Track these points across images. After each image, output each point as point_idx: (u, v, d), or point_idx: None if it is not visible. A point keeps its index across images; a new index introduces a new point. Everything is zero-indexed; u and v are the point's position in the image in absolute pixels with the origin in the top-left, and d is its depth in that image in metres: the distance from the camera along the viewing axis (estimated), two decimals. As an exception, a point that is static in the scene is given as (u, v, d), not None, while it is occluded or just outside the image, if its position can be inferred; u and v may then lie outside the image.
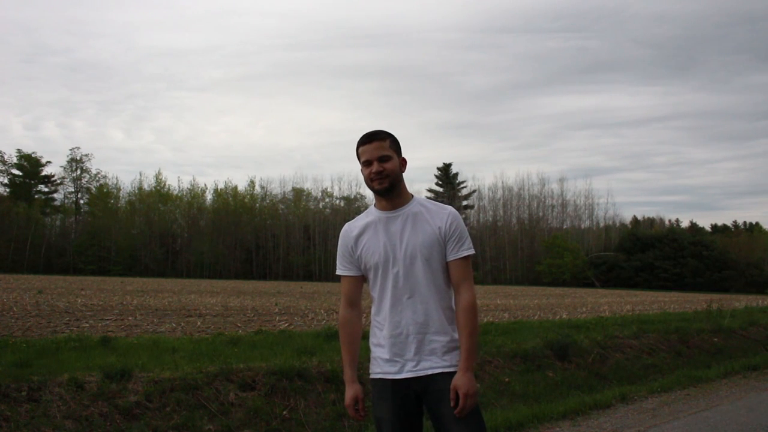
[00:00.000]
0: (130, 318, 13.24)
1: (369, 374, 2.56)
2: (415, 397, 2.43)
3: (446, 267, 2.47)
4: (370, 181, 2.45)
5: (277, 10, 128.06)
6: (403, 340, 2.43)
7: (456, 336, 2.43)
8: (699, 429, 5.63)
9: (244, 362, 5.97)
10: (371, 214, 2.55)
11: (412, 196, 2.53)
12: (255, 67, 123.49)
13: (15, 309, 14.17)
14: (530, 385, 7.04)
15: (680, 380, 7.96)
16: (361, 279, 2.58)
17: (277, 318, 14.47)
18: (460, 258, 2.44)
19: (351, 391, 2.48)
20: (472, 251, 2.46)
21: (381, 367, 2.48)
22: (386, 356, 2.46)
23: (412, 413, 2.43)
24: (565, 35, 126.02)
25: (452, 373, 2.37)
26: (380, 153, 2.42)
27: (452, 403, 2.32)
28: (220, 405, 5.14)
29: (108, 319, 12.72)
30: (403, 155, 2.52)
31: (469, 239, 2.48)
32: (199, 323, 12.50)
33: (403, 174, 2.51)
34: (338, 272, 2.60)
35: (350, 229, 2.57)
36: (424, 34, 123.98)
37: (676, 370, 8.86)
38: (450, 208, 2.50)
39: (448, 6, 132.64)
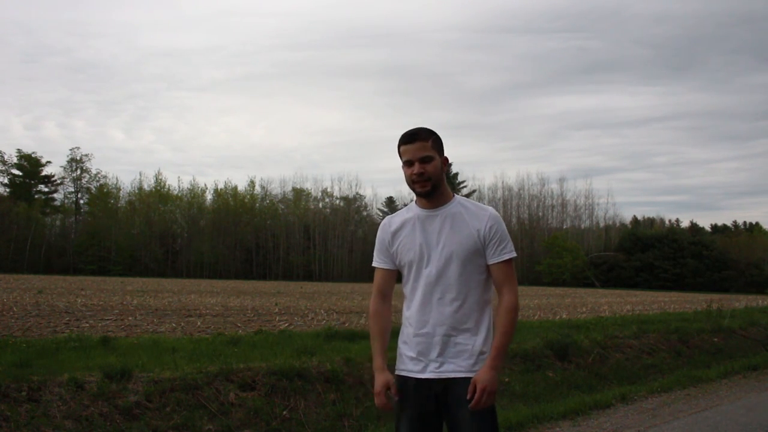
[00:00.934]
0: (130, 318, 13.24)
1: (395, 370, 2.53)
2: (436, 397, 2.41)
3: (483, 270, 2.44)
4: (411, 183, 2.41)
5: (277, 11, 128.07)
6: (429, 340, 2.41)
7: (485, 340, 2.41)
8: (699, 429, 5.63)
9: (244, 362, 5.97)
10: (411, 210, 2.52)
11: (454, 195, 2.49)
12: (255, 67, 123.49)
13: (15, 309, 14.17)
14: (530, 385, 7.04)
15: (680, 380, 7.96)
16: (395, 273, 2.56)
17: (277, 318, 14.47)
18: (501, 262, 2.41)
19: (382, 378, 2.41)
20: (513, 254, 2.42)
21: (405, 365, 2.47)
22: (411, 354, 2.45)
23: (431, 413, 2.42)
24: (565, 35, 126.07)
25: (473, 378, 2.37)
26: (422, 154, 2.37)
27: (468, 396, 2.29)
28: (220, 405, 5.14)
29: (108, 319, 12.72)
30: (444, 154, 2.47)
31: (509, 242, 2.43)
32: (199, 323, 12.50)
33: (444, 172, 2.46)
34: (374, 264, 2.59)
35: (389, 223, 2.56)
36: (425, 34, 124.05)
37: (676, 370, 8.86)
38: (490, 209, 2.46)
39: (449, 6, 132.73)
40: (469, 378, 2.34)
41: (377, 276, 2.59)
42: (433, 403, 2.41)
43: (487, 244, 2.41)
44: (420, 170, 2.37)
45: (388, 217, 2.60)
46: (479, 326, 2.42)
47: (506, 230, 2.45)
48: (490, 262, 2.42)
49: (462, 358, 2.38)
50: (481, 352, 2.39)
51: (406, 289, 2.53)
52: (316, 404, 5.55)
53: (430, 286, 2.42)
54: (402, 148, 2.42)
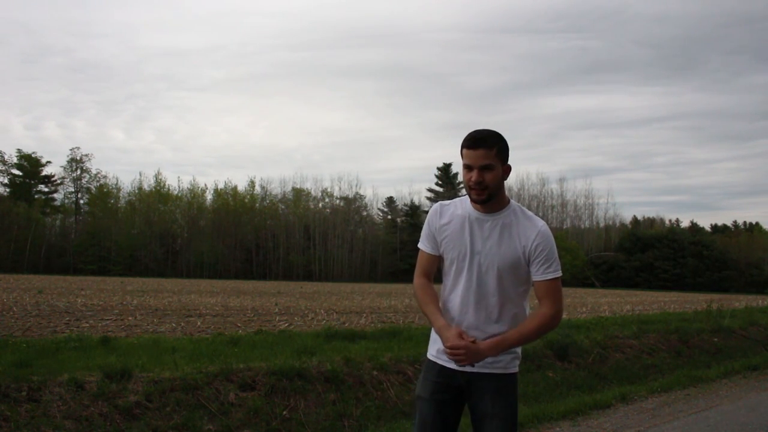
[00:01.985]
0: (130, 318, 13.25)
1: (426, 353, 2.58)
2: (458, 388, 2.45)
3: (524, 282, 2.43)
4: (468, 189, 2.37)
5: (277, 11, 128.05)
6: None
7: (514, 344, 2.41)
8: (699, 429, 5.63)
9: (244, 362, 5.97)
10: (465, 206, 2.47)
11: (509, 201, 2.45)
12: (256, 68, 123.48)
13: (15, 309, 14.17)
14: (530, 385, 7.04)
15: (680, 380, 7.96)
16: (438, 258, 2.53)
17: (277, 318, 14.47)
18: (545, 280, 2.37)
19: (452, 330, 2.34)
20: (558, 274, 2.36)
21: (435, 351, 2.50)
22: (442, 345, 2.42)
23: (449, 402, 2.45)
24: (565, 35, 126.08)
25: (499, 375, 2.41)
26: (484, 162, 2.30)
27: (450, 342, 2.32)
28: (220, 405, 5.14)
29: (108, 319, 12.72)
30: (508, 161, 2.38)
31: (556, 261, 2.37)
32: (199, 323, 12.50)
33: (505, 180, 2.40)
34: (419, 246, 2.56)
35: (440, 212, 2.51)
36: (425, 34, 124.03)
37: (676, 370, 8.86)
38: (540, 224, 2.40)
39: (449, 6, 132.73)
40: (493, 374, 2.40)
41: (422, 257, 2.56)
42: (453, 394, 2.45)
43: (532, 261, 2.38)
44: (479, 179, 2.31)
45: (439, 204, 2.54)
46: (510, 329, 2.42)
47: (554, 248, 2.39)
48: (535, 279, 2.40)
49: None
50: (510, 352, 2.42)
51: (447, 280, 2.51)
52: (316, 404, 5.55)
53: (468, 290, 2.41)
54: (464, 151, 2.34)
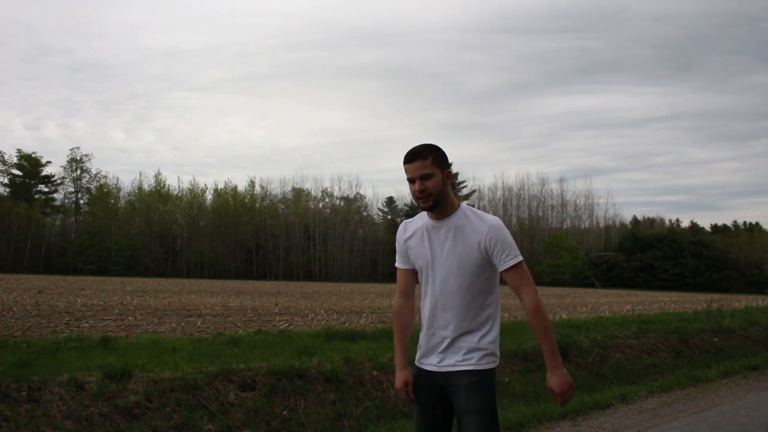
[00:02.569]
0: (130, 318, 13.24)
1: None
2: (440, 388, 2.59)
3: (487, 278, 2.57)
4: (416, 200, 2.56)
5: (277, 11, 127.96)
6: (435, 341, 2.61)
7: (482, 337, 2.56)
8: (699, 429, 5.63)
9: (244, 362, 5.97)
10: (423, 218, 2.68)
11: (460, 205, 2.60)
12: (256, 68, 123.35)
13: (15, 309, 14.17)
14: (530, 385, 7.04)
15: (680, 380, 7.96)
16: (415, 272, 2.72)
17: (277, 318, 14.47)
18: (508, 268, 2.51)
19: (402, 376, 2.65)
20: (518, 259, 2.50)
21: (418, 358, 2.69)
22: (421, 350, 2.66)
23: (437, 403, 2.61)
24: (565, 36, 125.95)
25: (470, 371, 2.52)
26: (422, 172, 2.50)
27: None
28: (220, 405, 5.14)
29: (108, 319, 12.72)
30: (447, 167, 2.58)
31: (513, 248, 2.52)
32: (199, 323, 12.50)
33: (448, 184, 2.57)
34: (396, 264, 2.76)
35: (404, 229, 2.74)
36: (426, 34, 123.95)
37: (676, 370, 8.86)
38: (490, 220, 2.54)
39: (450, 6, 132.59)
40: (466, 370, 2.52)
41: (399, 276, 2.77)
42: (437, 395, 2.60)
43: (492, 254, 2.52)
44: (421, 187, 2.51)
45: (405, 222, 2.76)
46: (482, 326, 2.58)
47: (508, 237, 2.53)
48: (501, 271, 2.55)
49: (460, 354, 2.55)
50: (479, 348, 2.54)
51: (421, 288, 2.71)
52: (316, 404, 5.55)
53: (435, 293, 2.59)
54: (404, 167, 2.57)
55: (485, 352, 2.55)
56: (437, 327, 2.58)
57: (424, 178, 2.50)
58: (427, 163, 2.51)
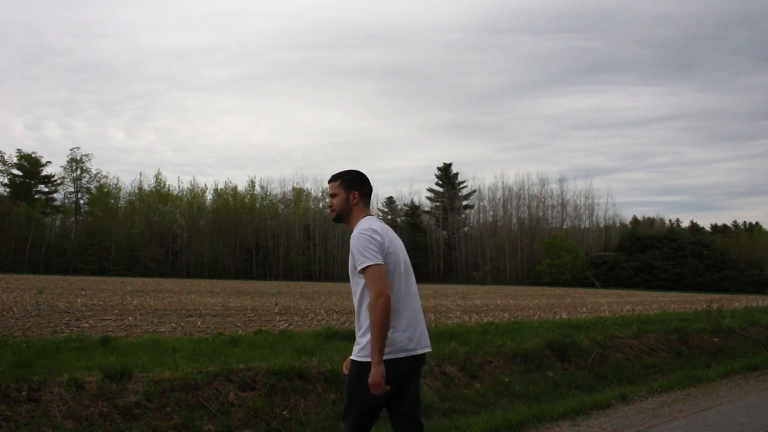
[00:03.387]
0: (130, 318, 13.25)
1: None
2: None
3: (359, 281, 2.97)
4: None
5: (278, 11, 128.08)
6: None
7: (364, 331, 2.92)
8: (699, 429, 5.63)
9: (244, 362, 5.97)
10: None
11: (360, 222, 3.03)
12: (256, 68, 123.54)
13: (15, 309, 14.17)
14: (530, 385, 7.04)
15: (680, 380, 7.96)
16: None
17: (277, 318, 14.47)
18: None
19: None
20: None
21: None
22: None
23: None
24: (566, 36, 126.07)
25: (355, 362, 2.94)
26: (332, 191, 3.16)
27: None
28: (220, 405, 5.14)
29: (108, 319, 12.72)
30: (356, 189, 3.08)
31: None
32: (199, 323, 12.50)
33: (354, 204, 3.07)
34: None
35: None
36: (426, 34, 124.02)
37: (676, 370, 8.86)
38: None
39: (450, 6, 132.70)
40: (353, 360, 2.97)
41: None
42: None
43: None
44: (329, 203, 3.20)
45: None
46: (366, 320, 2.92)
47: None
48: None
49: (354, 344, 3.02)
50: (357, 343, 2.97)
51: None
52: (316, 404, 5.55)
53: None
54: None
55: (359, 346, 2.94)
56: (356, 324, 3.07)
57: (332, 196, 3.13)
58: (336, 185, 3.12)
